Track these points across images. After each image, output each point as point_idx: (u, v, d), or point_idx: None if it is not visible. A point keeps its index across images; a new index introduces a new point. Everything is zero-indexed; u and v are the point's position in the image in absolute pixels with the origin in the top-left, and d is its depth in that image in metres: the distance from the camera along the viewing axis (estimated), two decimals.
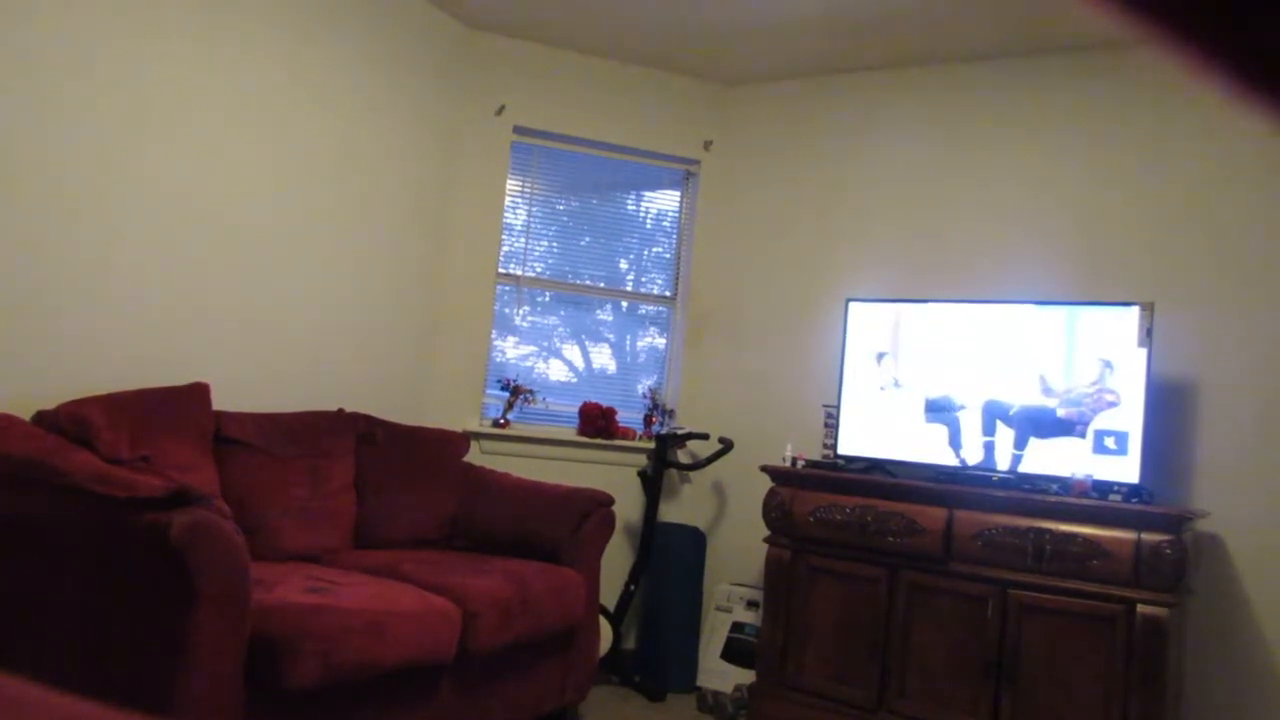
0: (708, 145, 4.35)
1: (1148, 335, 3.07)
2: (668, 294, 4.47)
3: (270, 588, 2.40)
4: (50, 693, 0.28)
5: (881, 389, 3.49)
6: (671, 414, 4.37)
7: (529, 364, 4.33)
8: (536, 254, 4.34)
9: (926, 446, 3.39)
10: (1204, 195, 3.35)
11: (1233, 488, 3.17)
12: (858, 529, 3.24)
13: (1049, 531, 2.95)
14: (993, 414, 3.30)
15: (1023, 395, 3.25)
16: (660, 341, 4.52)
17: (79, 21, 2.77)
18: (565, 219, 4.43)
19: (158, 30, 2.98)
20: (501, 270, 4.20)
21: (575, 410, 4.23)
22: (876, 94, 4.07)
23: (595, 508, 3.29)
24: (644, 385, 4.41)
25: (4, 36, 2.61)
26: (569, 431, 4.20)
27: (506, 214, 4.20)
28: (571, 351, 4.47)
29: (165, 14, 3.00)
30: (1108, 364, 3.12)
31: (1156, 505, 2.98)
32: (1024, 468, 3.22)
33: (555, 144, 4.28)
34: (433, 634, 2.56)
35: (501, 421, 4.07)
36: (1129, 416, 3.06)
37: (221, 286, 3.22)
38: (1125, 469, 3.04)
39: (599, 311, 4.48)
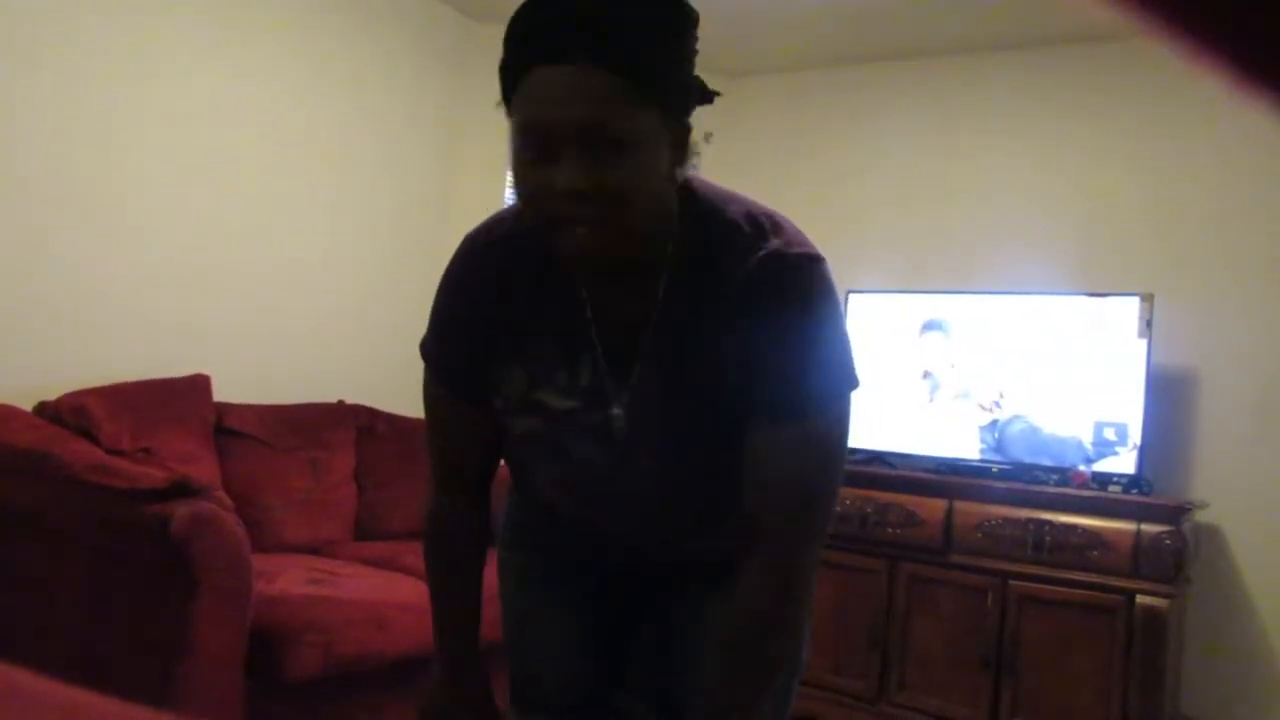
0: (708, 137, 4.34)
1: (1147, 326, 3.07)
2: None
3: (271, 579, 2.41)
4: (51, 683, 0.28)
5: (879, 380, 3.49)
6: None
7: None
8: None
9: (927, 438, 3.39)
10: (1205, 186, 3.34)
11: (1232, 479, 3.17)
12: (857, 521, 3.24)
13: (1049, 523, 2.96)
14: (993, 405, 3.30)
15: (1023, 386, 3.25)
16: None
17: (80, 15, 2.77)
18: None
19: (158, 24, 2.98)
20: None
21: None
22: (878, 85, 4.06)
23: None
24: None
25: (5, 33, 2.61)
26: None
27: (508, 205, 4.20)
28: None
29: (165, 8, 2.99)
30: (1108, 355, 3.12)
31: (1156, 496, 2.99)
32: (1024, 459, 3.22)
33: None
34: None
35: None
36: (1129, 407, 3.06)
37: (222, 278, 3.21)
38: (1125, 460, 3.04)
39: None
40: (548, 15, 0.91)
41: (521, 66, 0.92)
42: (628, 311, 1.07)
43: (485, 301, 1.12)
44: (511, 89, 0.95)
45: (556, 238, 0.95)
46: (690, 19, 0.96)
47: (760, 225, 1.07)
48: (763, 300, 1.03)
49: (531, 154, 0.93)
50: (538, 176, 0.93)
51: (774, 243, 1.05)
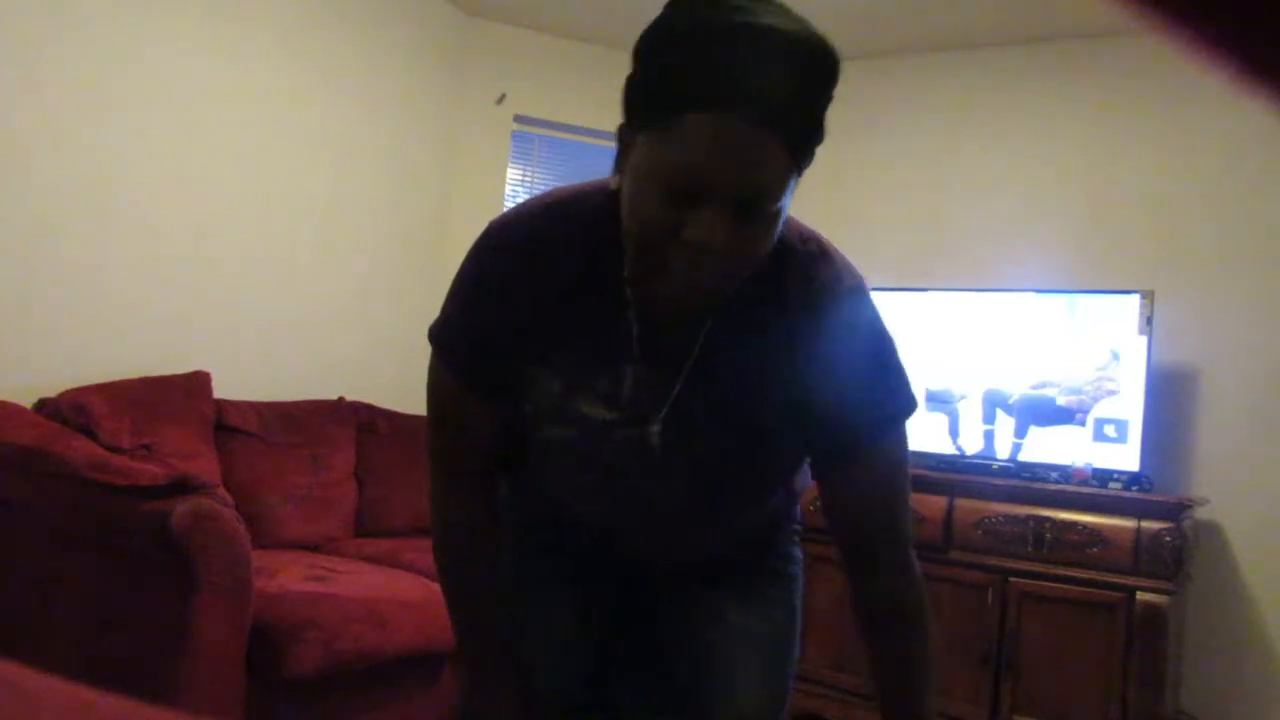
0: None
1: (1148, 323, 3.07)
2: None
3: (271, 576, 2.41)
4: (51, 680, 0.28)
5: None
6: None
7: None
8: None
9: (926, 435, 3.39)
10: (1205, 183, 3.34)
11: (1232, 475, 3.17)
12: None
13: (1049, 520, 2.96)
14: (993, 402, 3.30)
15: (1023, 383, 3.25)
16: None
17: (78, 13, 2.76)
18: None
19: (157, 19, 2.97)
20: None
21: None
22: (878, 81, 4.05)
23: None
24: None
25: (4, 30, 2.61)
26: None
27: (507, 203, 4.20)
28: None
29: (165, 4, 2.99)
30: (1109, 352, 3.12)
31: (1156, 493, 2.99)
32: (1024, 456, 3.22)
33: (556, 133, 4.26)
34: (434, 623, 2.57)
35: None
36: (1129, 404, 3.06)
37: (222, 275, 3.21)
38: (1125, 457, 3.04)
39: None
40: (756, 69, 0.85)
41: (701, 98, 0.86)
42: (676, 330, 1.05)
43: (519, 299, 1.05)
44: (671, 108, 0.88)
45: (658, 277, 0.93)
46: None
47: (811, 251, 1.06)
48: (818, 339, 1.04)
49: (673, 195, 0.88)
50: (669, 217, 0.89)
51: (823, 276, 1.05)
